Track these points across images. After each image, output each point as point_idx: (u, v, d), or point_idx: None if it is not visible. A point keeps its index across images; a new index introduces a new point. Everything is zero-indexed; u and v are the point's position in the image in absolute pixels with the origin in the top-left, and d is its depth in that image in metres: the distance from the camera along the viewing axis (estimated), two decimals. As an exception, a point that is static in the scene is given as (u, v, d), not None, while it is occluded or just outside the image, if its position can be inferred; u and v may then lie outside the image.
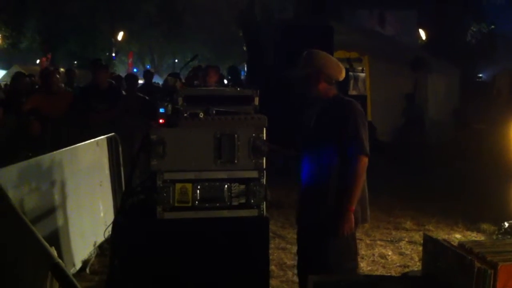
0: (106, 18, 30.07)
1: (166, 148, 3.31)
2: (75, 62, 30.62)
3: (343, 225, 3.49)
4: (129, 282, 3.39)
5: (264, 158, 3.39)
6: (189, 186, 3.34)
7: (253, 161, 3.36)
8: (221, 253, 3.33)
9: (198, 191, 3.33)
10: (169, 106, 3.39)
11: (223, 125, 3.35)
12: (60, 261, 2.26)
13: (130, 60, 32.09)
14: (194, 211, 3.34)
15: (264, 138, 3.38)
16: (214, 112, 3.38)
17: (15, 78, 9.51)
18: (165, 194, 3.31)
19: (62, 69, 17.87)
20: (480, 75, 26.11)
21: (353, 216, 3.52)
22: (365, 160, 3.54)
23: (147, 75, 12.64)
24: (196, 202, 3.33)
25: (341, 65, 3.74)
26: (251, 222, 3.37)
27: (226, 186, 3.35)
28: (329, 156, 3.58)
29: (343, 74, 3.73)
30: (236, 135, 3.34)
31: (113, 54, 32.16)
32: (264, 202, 3.39)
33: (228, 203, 3.35)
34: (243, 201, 3.36)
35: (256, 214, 3.37)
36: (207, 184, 3.34)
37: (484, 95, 14.68)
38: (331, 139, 3.57)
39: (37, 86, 10.00)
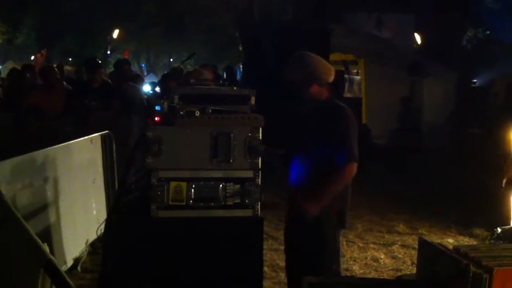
0: (105, 17, 29.99)
1: (161, 146, 3.28)
2: (70, 59, 30.55)
3: (309, 209, 3.53)
4: (122, 280, 3.37)
5: (260, 158, 3.38)
6: (183, 184, 3.31)
7: (249, 160, 3.33)
8: (215, 253, 3.30)
9: (192, 190, 3.30)
10: (165, 104, 3.37)
11: (219, 124, 3.32)
12: (52, 257, 2.24)
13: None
14: (188, 210, 3.31)
15: (260, 138, 3.36)
16: (210, 110, 3.35)
17: (17, 75, 9.41)
18: (159, 192, 3.28)
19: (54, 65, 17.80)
20: (475, 80, 26.23)
21: (318, 209, 3.53)
22: (354, 167, 3.57)
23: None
24: (191, 201, 3.31)
25: (331, 66, 3.79)
26: (246, 222, 3.34)
27: (221, 185, 3.32)
28: (319, 159, 3.62)
29: (333, 76, 3.77)
30: (232, 135, 3.31)
31: (108, 52, 32.06)
32: (259, 203, 3.37)
33: (223, 203, 3.33)
34: (238, 201, 3.33)
35: (251, 214, 3.34)
36: (202, 183, 3.31)
37: (481, 100, 14.75)
38: (321, 143, 3.60)
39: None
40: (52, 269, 2.18)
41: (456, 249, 2.58)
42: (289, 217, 3.91)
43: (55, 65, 10.10)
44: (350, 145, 3.55)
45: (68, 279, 2.09)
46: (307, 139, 3.69)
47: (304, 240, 3.65)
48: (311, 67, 3.66)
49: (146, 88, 11.04)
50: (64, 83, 8.84)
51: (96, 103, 7.30)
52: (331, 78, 3.74)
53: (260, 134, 3.35)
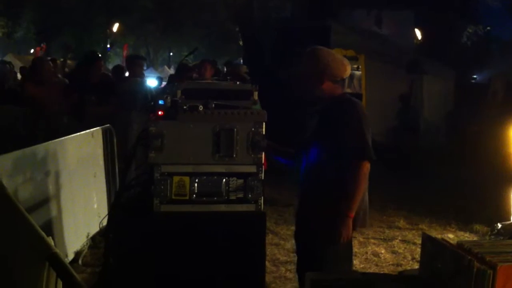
0: (102, 11, 29.93)
1: (164, 141, 3.27)
2: (70, 53, 30.49)
3: (341, 231, 3.36)
4: (123, 275, 3.37)
5: (263, 153, 3.37)
6: (186, 179, 3.31)
7: (252, 156, 3.33)
8: (218, 248, 3.30)
9: (195, 184, 3.30)
10: (168, 99, 3.36)
11: (222, 119, 3.31)
12: (57, 250, 2.24)
13: (124, 52, 31.92)
14: (191, 205, 3.31)
15: (264, 133, 3.35)
16: (213, 105, 3.35)
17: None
18: (162, 187, 3.28)
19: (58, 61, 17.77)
20: (475, 76, 26.28)
21: (351, 223, 3.39)
22: (367, 166, 3.40)
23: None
24: (194, 195, 3.30)
25: (346, 61, 3.58)
26: (248, 217, 3.34)
27: (224, 180, 3.32)
28: (331, 158, 3.43)
29: (348, 71, 3.58)
30: (235, 129, 3.30)
31: (108, 46, 32.02)
32: (262, 197, 3.37)
33: (226, 198, 3.32)
34: (240, 195, 3.33)
35: (254, 209, 3.34)
36: (205, 177, 3.31)
37: (479, 97, 14.76)
38: (332, 141, 3.41)
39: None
40: (57, 262, 2.19)
41: (460, 244, 2.57)
42: (299, 217, 3.75)
43: (57, 60, 10.09)
44: (363, 143, 3.39)
45: (74, 272, 2.09)
46: (319, 138, 3.51)
47: (313, 242, 3.53)
48: (324, 62, 3.47)
49: (153, 83, 10.99)
50: (59, 76, 8.80)
51: (95, 98, 7.27)
52: (346, 73, 3.55)
53: (264, 129, 3.34)
